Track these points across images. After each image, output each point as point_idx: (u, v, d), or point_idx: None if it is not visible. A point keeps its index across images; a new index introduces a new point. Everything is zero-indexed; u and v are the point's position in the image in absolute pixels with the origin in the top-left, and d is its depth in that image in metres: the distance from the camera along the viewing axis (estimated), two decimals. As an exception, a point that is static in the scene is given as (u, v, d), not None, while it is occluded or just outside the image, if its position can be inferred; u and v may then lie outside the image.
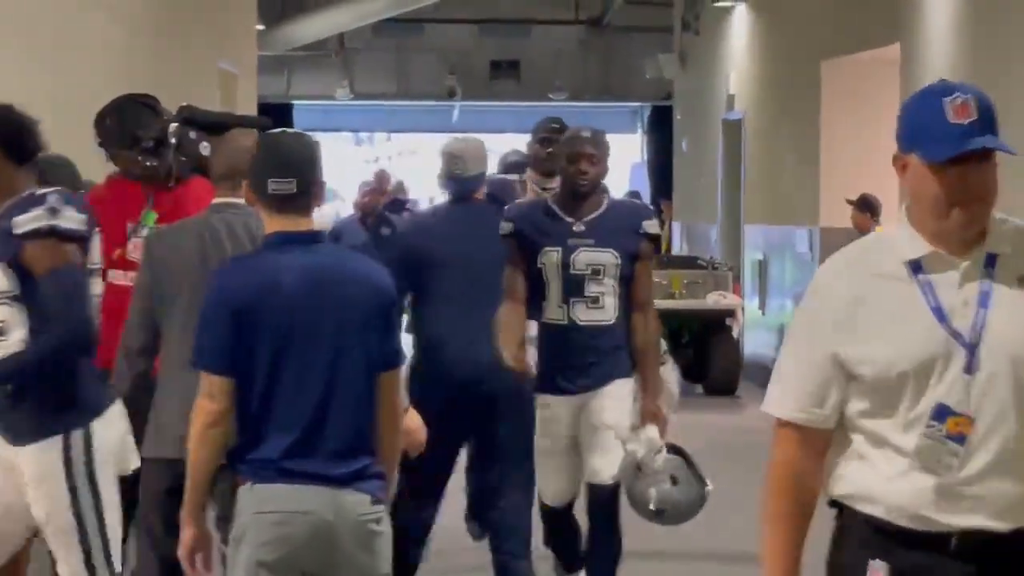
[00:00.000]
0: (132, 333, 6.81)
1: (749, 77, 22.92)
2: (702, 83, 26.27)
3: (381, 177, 16.79)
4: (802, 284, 19.73)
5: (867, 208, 16.92)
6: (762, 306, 21.63)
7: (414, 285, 8.76)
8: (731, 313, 19.83)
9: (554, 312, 8.28)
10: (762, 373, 20.87)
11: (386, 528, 5.70)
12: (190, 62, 14.67)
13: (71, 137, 8.52)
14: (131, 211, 7.37)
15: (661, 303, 18.22)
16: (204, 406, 5.62)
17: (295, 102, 33.09)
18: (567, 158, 8.29)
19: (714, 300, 19.74)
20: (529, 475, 8.73)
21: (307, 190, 5.74)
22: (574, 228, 8.26)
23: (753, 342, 21.38)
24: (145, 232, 7.39)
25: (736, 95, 23.53)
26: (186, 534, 5.68)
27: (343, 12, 30.01)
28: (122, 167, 7.68)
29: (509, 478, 8.83)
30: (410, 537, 8.63)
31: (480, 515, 9.78)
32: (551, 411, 8.32)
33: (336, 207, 30.17)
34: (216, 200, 6.93)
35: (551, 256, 8.23)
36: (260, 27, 21.80)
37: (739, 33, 23.42)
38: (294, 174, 5.70)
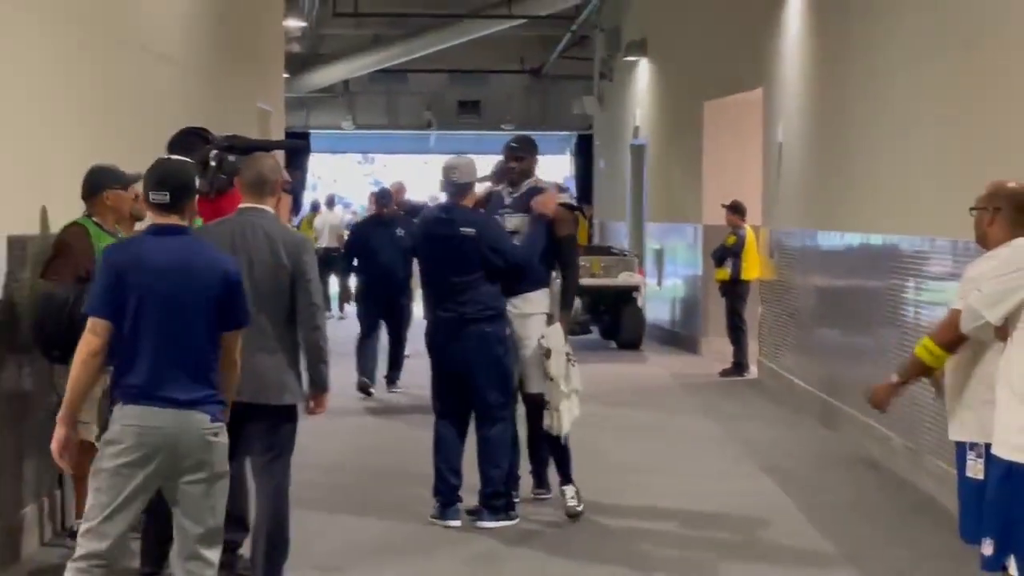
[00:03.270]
0: None
1: (650, 113, 22.97)
2: (615, 117, 26.31)
3: (398, 188, 16.45)
4: (690, 267, 19.85)
5: (736, 211, 17.03)
6: (659, 283, 21.69)
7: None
8: (637, 288, 19.93)
9: None
10: (659, 333, 20.99)
11: (223, 439, 5.82)
12: (235, 102, 14.69)
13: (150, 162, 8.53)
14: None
15: (586, 281, 18.39)
16: (88, 339, 5.74)
17: (312, 131, 33.06)
18: None
19: (624, 278, 19.85)
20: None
21: (178, 200, 5.87)
22: None
23: (652, 310, 21.46)
24: None
25: (640, 126, 23.57)
26: (59, 432, 5.77)
27: (347, 65, 30.03)
28: None
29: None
30: None
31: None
32: None
33: (343, 211, 30.09)
34: (243, 205, 6.97)
35: None
36: (286, 75, 21.79)
37: (642, 80, 23.46)
38: (168, 188, 5.85)
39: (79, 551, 5.74)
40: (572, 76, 31.36)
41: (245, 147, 7.45)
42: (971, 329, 6.27)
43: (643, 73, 23.37)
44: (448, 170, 9.12)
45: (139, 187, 8.18)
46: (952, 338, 6.35)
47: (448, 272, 8.92)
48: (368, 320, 15.02)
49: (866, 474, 10.93)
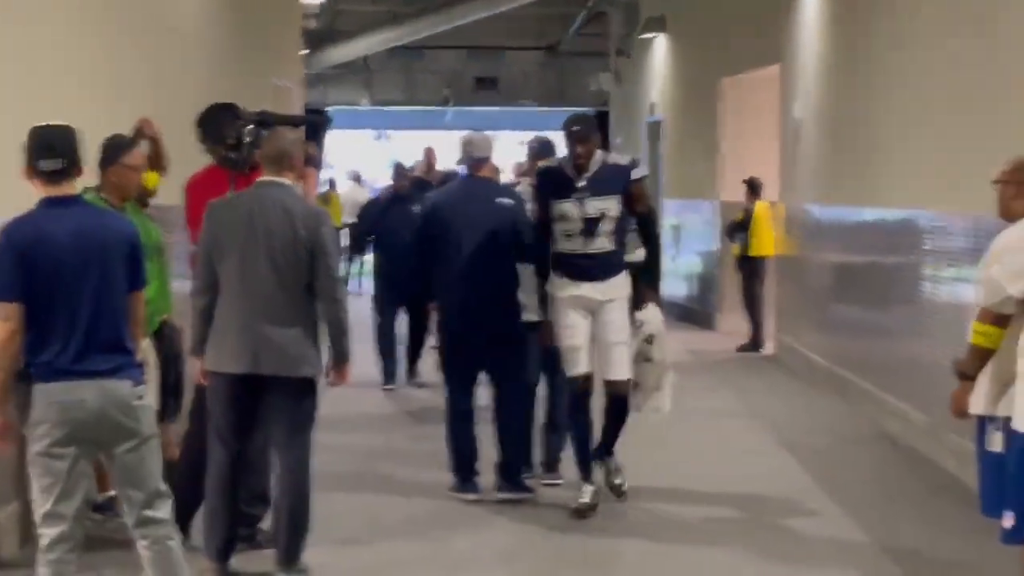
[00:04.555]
0: (197, 276, 6.87)
1: (667, 90, 22.92)
2: (632, 94, 26.26)
3: (429, 152, 15.75)
4: (706, 243, 19.81)
5: (750, 187, 17.03)
6: (675, 259, 21.67)
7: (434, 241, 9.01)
8: (654, 264, 19.83)
9: None
10: (675, 309, 20.96)
11: (147, 402, 5.80)
12: (252, 78, 14.67)
13: (177, 137, 8.50)
14: (219, 191, 7.31)
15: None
16: (1, 326, 5.58)
17: (329, 108, 32.94)
18: None
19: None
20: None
21: (71, 165, 5.71)
22: None
23: (669, 285, 21.43)
24: None
25: (657, 103, 23.53)
26: None
27: (364, 41, 29.98)
28: (214, 158, 7.64)
29: None
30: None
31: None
32: None
33: (357, 188, 30.00)
34: (263, 178, 6.94)
35: None
36: (304, 51, 21.77)
37: (659, 57, 23.41)
38: (60, 155, 5.68)
39: (44, 540, 5.67)
40: (589, 53, 31.30)
41: (275, 122, 7.44)
42: (994, 303, 6.25)
43: (660, 50, 23.32)
44: (467, 144, 9.23)
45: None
46: (994, 313, 6.32)
47: (479, 244, 8.86)
48: (384, 299, 14.07)
49: (885, 450, 10.90)
